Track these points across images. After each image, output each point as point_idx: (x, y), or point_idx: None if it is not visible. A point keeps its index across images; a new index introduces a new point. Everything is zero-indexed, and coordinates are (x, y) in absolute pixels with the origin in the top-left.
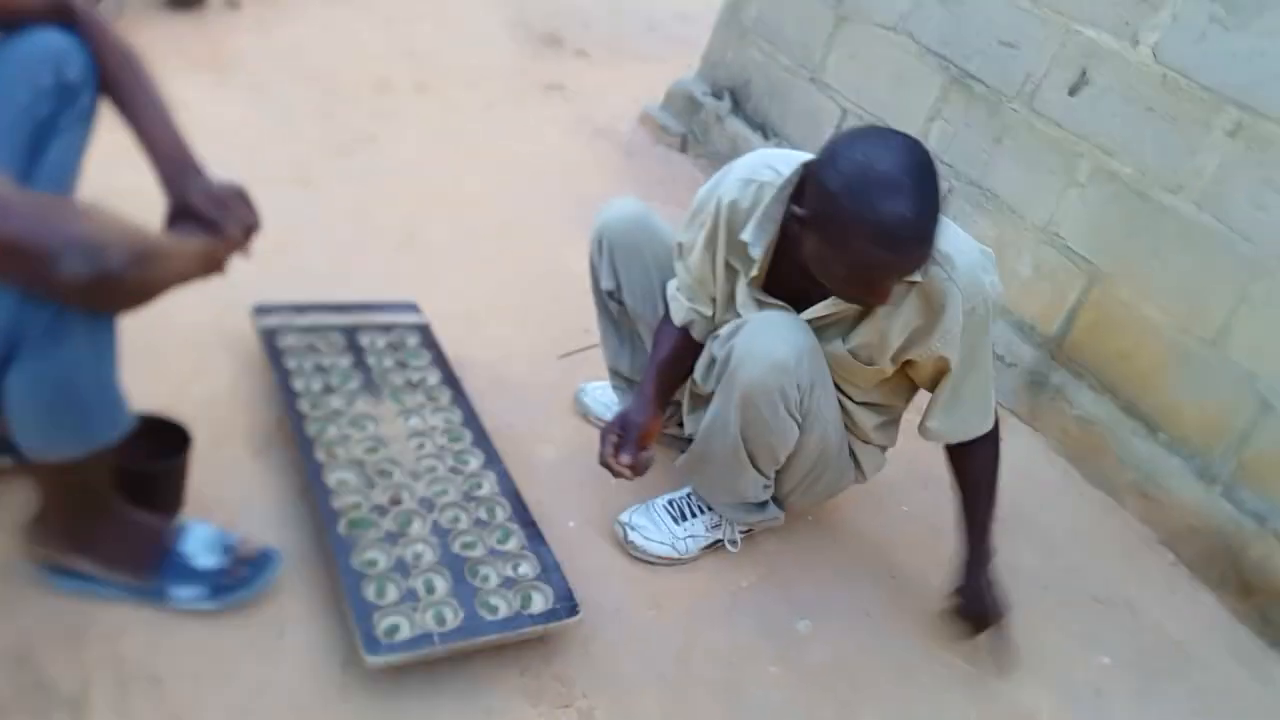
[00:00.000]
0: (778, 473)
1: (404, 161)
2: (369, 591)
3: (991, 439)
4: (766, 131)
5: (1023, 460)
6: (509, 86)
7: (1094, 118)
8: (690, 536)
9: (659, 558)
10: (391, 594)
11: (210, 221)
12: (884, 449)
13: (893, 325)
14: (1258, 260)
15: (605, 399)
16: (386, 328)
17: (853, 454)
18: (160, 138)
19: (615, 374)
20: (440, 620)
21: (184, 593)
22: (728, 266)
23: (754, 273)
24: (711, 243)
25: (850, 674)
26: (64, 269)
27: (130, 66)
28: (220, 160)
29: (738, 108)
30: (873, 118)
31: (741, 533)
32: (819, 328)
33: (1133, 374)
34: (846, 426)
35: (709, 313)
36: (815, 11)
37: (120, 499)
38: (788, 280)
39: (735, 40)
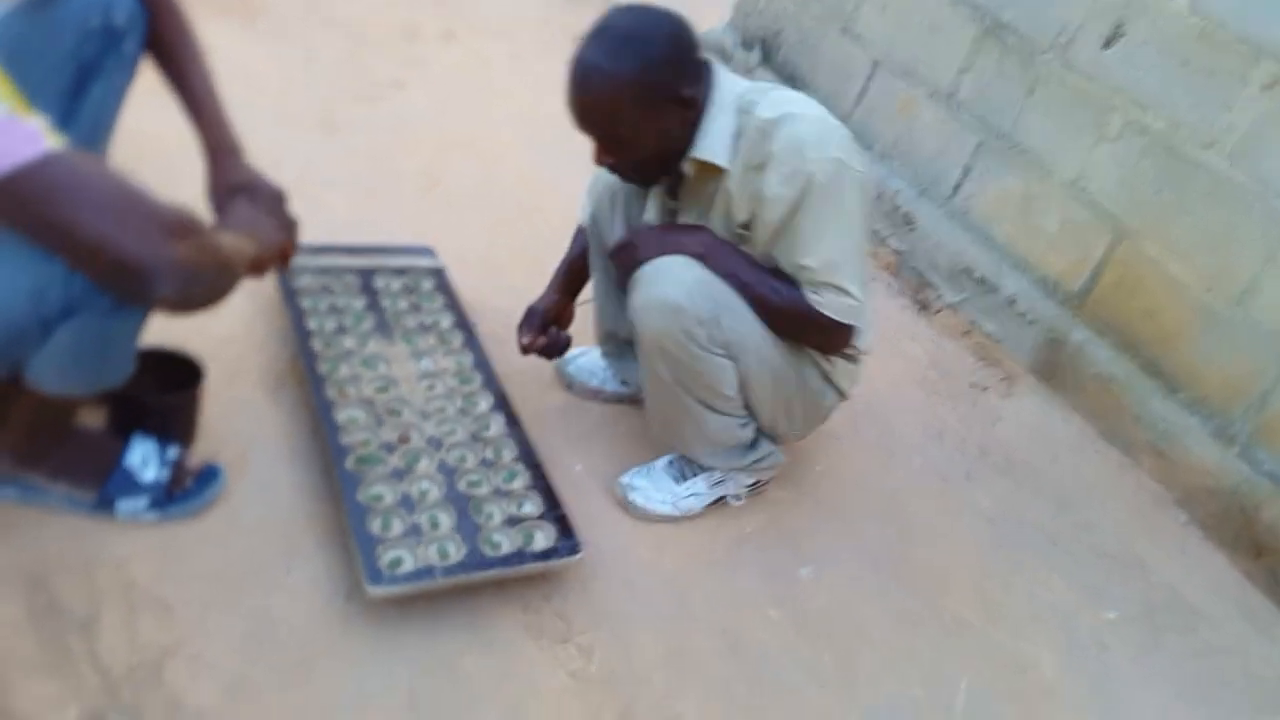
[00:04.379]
0: (747, 407)
1: (428, 109)
2: (374, 525)
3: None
4: (797, 83)
5: (1037, 417)
6: (536, 36)
7: (1128, 71)
8: (692, 495)
9: (660, 516)
10: (396, 528)
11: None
12: (852, 358)
13: (736, 196)
14: None
15: (590, 366)
16: (402, 271)
17: (822, 372)
18: (212, 121)
19: (612, 338)
20: (443, 555)
21: (128, 505)
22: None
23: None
24: None
25: (851, 621)
26: (158, 290)
27: (187, 39)
28: (246, 104)
29: (768, 59)
30: (903, 69)
31: (747, 486)
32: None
33: (1156, 332)
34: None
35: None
36: None
37: (75, 416)
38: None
39: None
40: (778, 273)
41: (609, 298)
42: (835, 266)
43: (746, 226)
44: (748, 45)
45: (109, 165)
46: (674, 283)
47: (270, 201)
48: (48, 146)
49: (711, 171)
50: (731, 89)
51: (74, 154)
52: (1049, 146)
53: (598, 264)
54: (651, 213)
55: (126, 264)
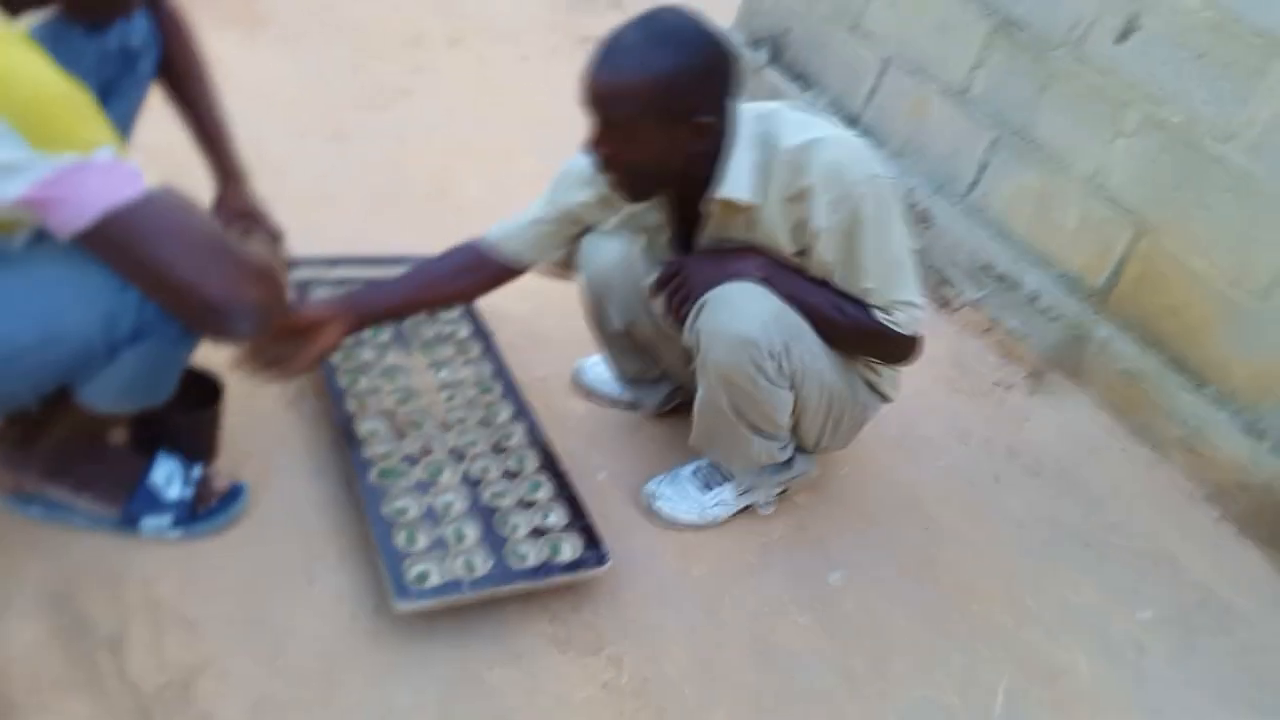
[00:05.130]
0: (794, 428)
1: (437, 115)
2: (399, 539)
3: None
4: (806, 82)
5: (1065, 415)
6: (542, 40)
7: (1143, 65)
8: (719, 504)
9: (686, 525)
10: (421, 541)
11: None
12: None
13: (778, 229)
14: None
15: (607, 377)
16: None
17: (868, 383)
18: (221, 146)
19: (623, 374)
20: (470, 568)
21: (152, 522)
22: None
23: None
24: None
25: (882, 626)
26: (238, 330)
27: (197, 64)
28: (254, 114)
29: (776, 58)
30: (914, 66)
31: (775, 494)
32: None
33: (1180, 327)
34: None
35: (540, 257)
36: None
37: (106, 433)
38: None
39: None
40: (840, 292)
41: (619, 356)
42: (899, 282)
43: (801, 254)
44: (755, 45)
45: (196, 206)
46: (747, 315)
47: (268, 238)
48: (146, 187)
49: (737, 211)
50: (750, 125)
51: (168, 194)
52: (1065, 142)
53: (608, 322)
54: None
55: (213, 305)
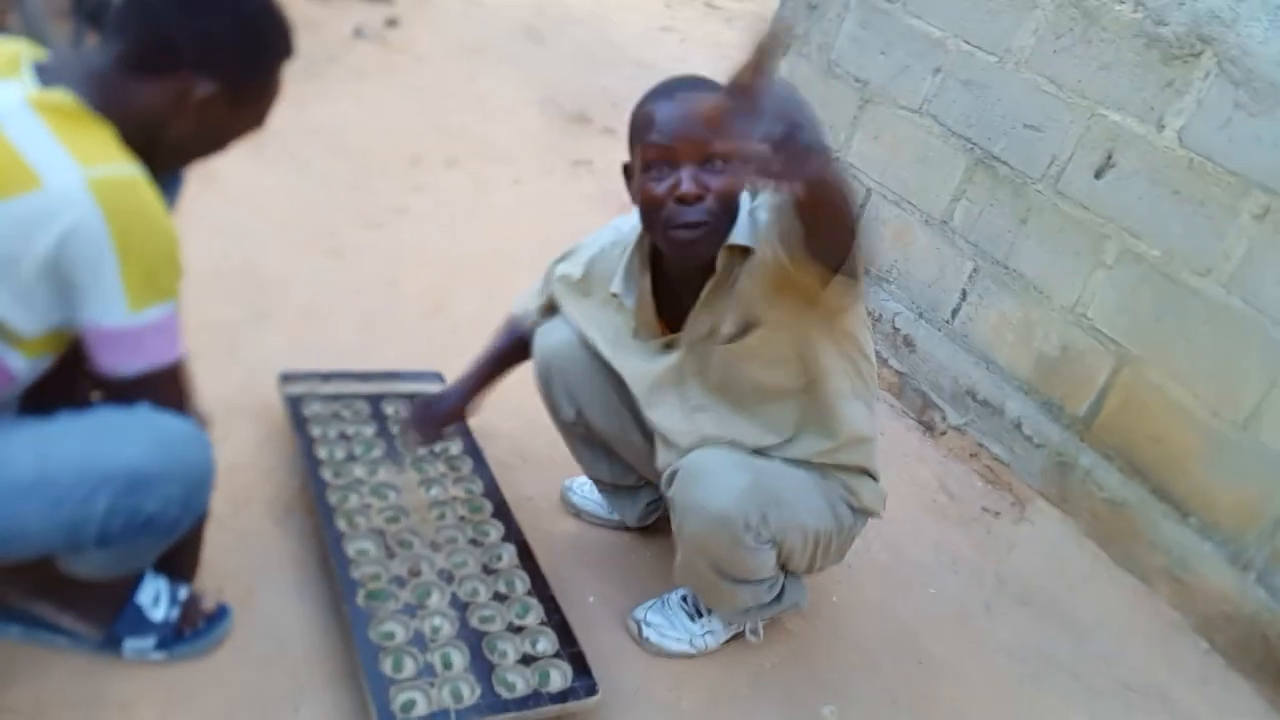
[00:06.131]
0: (782, 566)
1: (433, 234)
2: (386, 665)
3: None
4: None
5: (1052, 543)
6: (537, 162)
7: (1120, 200)
8: (709, 633)
9: (677, 654)
10: (409, 668)
11: None
12: (872, 476)
13: (764, 260)
14: None
15: (595, 496)
16: (411, 396)
17: (849, 505)
18: None
19: (598, 481)
20: (457, 697)
21: (135, 644)
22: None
23: (634, 324)
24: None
25: None
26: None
27: None
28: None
29: None
30: (897, 197)
31: (764, 621)
32: (702, 340)
33: (1163, 457)
34: (822, 467)
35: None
36: (840, 94)
37: None
38: (671, 306)
39: None
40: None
41: (581, 451)
42: None
43: (776, 276)
44: None
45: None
46: (721, 490)
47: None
48: (182, 348)
49: (739, 257)
50: None
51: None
52: (1046, 272)
53: (559, 409)
54: (623, 339)
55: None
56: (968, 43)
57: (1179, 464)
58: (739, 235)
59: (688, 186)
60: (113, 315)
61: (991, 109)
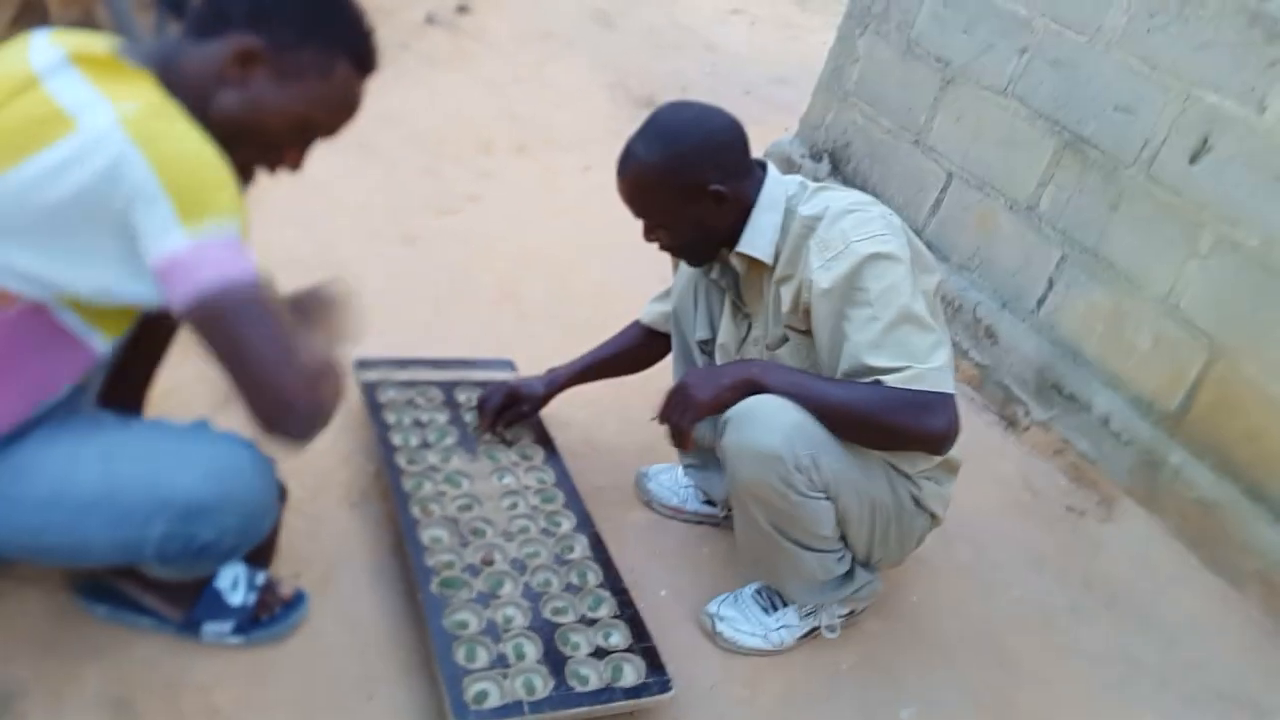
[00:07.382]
0: (843, 542)
1: (503, 221)
2: (459, 655)
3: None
4: (867, 192)
5: (1139, 544)
6: (607, 149)
7: (1217, 186)
8: (783, 627)
9: (750, 649)
10: (482, 658)
11: None
12: (938, 481)
13: (784, 290)
14: None
15: (671, 484)
16: (483, 384)
17: (913, 497)
18: None
19: (696, 447)
20: (530, 689)
21: (214, 628)
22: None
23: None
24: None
25: None
26: (294, 430)
27: None
28: (329, 218)
29: (836, 170)
30: (979, 180)
31: (841, 616)
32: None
33: (1258, 455)
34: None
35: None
36: (920, 75)
37: None
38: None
39: (836, 103)
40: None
41: None
42: (908, 343)
43: (795, 312)
44: (815, 157)
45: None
46: (769, 428)
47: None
48: (257, 272)
49: (759, 268)
50: (781, 187)
51: (265, 284)
52: (1137, 261)
53: (680, 360)
54: (727, 316)
55: (282, 401)
56: (1056, 21)
57: (1275, 463)
58: (752, 246)
59: (645, 234)
60: (171, 238)
61: (1081, 90)
